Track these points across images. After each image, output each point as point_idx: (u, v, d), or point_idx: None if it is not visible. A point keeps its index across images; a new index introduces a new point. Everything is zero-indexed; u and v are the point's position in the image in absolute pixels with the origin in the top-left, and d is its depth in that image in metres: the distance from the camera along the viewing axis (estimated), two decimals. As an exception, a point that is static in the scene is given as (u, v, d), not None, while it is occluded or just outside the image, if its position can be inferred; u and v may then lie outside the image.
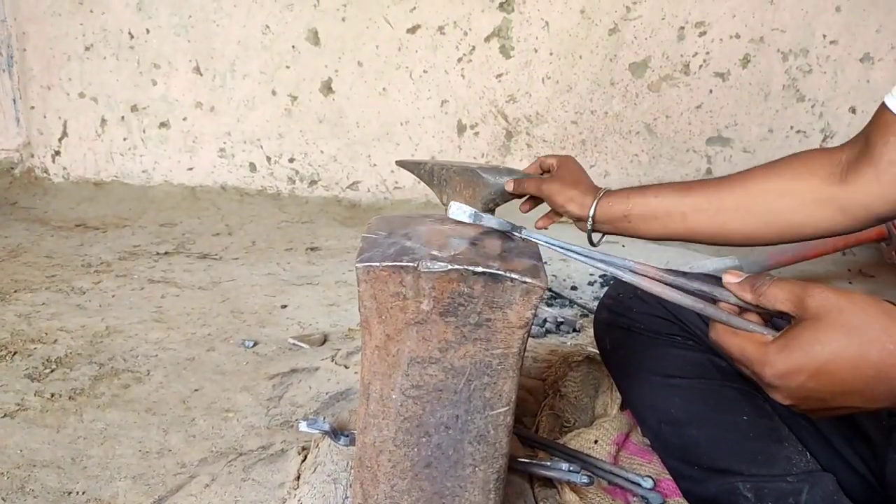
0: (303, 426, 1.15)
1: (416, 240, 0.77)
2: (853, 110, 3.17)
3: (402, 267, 0.71)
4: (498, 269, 0.71)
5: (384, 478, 0.80)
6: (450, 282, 0.71)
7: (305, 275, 2.39)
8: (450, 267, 0.71)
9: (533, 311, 0.73)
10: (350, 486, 1.02)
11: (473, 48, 3.18)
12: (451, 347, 0.74)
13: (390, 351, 0.75)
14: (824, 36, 3.09)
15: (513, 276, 0.71)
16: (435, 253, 0.73)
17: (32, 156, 3.43)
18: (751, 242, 1.07)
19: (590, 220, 1.11)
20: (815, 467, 0.99)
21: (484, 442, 0.78)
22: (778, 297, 0.69)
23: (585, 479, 1.03)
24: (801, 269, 2.49)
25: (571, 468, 1.04)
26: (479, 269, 0.71)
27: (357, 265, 0.72)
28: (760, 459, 0.99)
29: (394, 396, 0.77)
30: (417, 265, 0.71)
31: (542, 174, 1.24)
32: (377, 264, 0.71)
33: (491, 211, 1.47)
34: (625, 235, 1.12)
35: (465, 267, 0.71)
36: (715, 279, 1.12)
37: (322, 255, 2.64)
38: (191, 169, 3.38)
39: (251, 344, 1.78)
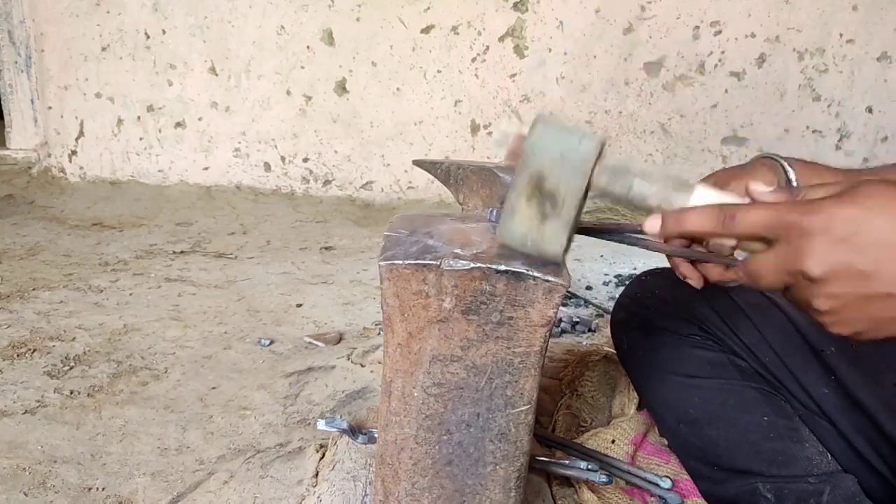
0: (321, 424, 1.16)
1: (438, 238, 0.77)
2: (870, 110, 3.15)
3: (424, 265, 0.71)
4: (520, 268, 0.71)
5: (405, 475, 0.80)
6: (472, 280, 0.71)
7: (320, 274, 2.40)
8: (472, 265, 0.71)
9: (555, 310, 0.73)
10: (369, 483, 1.02)
11: (487, 48, 3.18)
12: (472, 345, 0.75)
13: (412, 349, 0.76)
14: (841, 35, 3.07)
15: (535, 274, 0.71)
16: (457, 251, 0.73)
17: (50, 155, 3.46)
18: None
19: None
20: (837, 468, 0.98)
21: (505, 440, 0.78)
22: (819, 192, 0.59)
23: (604, 479, 1.03)
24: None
25: (590, 467, 1.04)
26: (502, 267, 0.71)
27: (380, 263, 0.72)
28: (781, 460, 0.99)
29: (415, 394, 0.77)
30: (440, 263, 0.71)
31: None
32: (400, 262, 0.72)
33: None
34: None
35: (488, 265, 0.71)
36: None
37: (336, 255, 2.65)
38: (206, 168, 3.40)
39: (267, 342, 1.79)
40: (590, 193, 0.69)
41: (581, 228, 0.83)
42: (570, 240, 0.70)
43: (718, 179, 0.93)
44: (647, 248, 0.85)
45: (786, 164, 0.94)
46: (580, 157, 0.67)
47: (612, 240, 0.86)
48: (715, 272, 0.80)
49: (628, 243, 0.85)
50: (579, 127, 0.69)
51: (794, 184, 0.94)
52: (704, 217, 0.62)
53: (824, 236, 0.55)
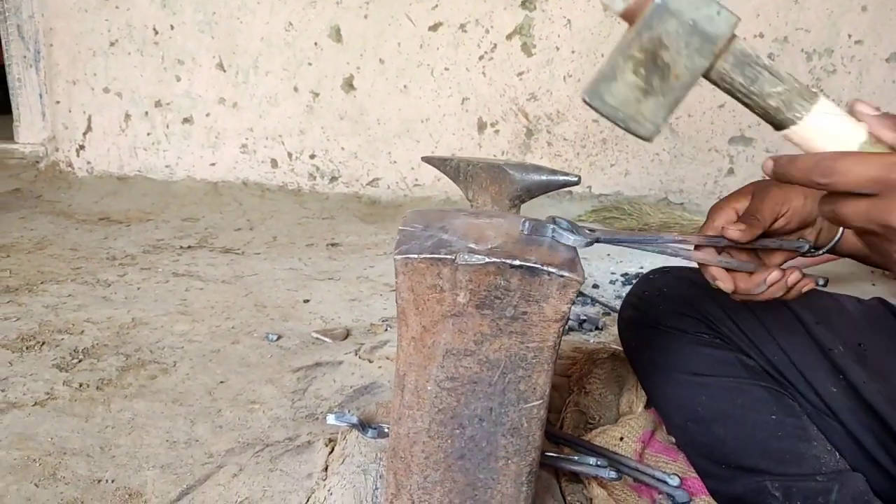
0: (331, 419, 1.16)
1: (452, 233, 0.77)
2: (878, 111, 3.15)
3: (439, 259, 0.72)
4: (535, 263, 0.71)
5: (417, 469, 0.81)
6: (486, 275, 0.72)
7: (327, 270, 2.40)
8: (487, 260, 0.71)
9: (569, 305, 0.73)
10: (380, 476, 1.03)
11: (495, 46, 3.19)
12: (486, 340, 0.75)
13: (426, 342, 0.76)
14: (849, 36, 3.06)
15: (550, 269, 0.71)
16: (472, 246, 0.73)
17: (57, 150, 3.47)
18: None
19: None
20: (845, 467, 0.98)
21: (517, 435, 0.79)
22: None
23: (613, 475, 1.04)
24: (825, 270, 2.47)
25: (599, 463, 1.04)
26: (517, 262, 0.71)
27: (395, 257, 0.73)
28: (789, 458, 0.99)
29: (429, 388, 0.77)
30: (455, 258, 0.72)
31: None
32: (415, 256, 0.72)
33: (516, 207, 1.47)
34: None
35: (503, 260, 0.71)
36: None
37: (343, 251, 2.65)
38: (213, 164, 3.41)
39: (275, 337, 1.79)
40: (709, 74, 0.63)
41: (615, 239, 0.82)
42: (667, 119, 0.63)
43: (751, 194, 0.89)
44: (685, 257, 0.83)
45: None
46: (714, 31, 0.59)
47: (649, 250, 0.84)
48: (742, 281, 0.81)
49: (669, 254, 0.83)
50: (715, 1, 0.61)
51: None
52: (810, 166, 0.59)
53: None
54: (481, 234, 0.77)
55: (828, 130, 0.60)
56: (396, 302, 0.75)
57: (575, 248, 0.77)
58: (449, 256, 0.72)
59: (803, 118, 0.61)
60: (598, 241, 0.78)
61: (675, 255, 0.81)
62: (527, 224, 0.79)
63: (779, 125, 0.62)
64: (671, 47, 0.60)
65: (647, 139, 0.64)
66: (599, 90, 0.62)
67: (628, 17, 0.62)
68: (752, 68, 0.61)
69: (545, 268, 0.71)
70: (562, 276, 0.71)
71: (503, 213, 0.95)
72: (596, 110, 0.63)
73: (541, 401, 0.78)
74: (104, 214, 3.04)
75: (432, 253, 0.72)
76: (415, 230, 0.78)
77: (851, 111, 0.62)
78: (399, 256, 0.72)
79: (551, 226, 0.78)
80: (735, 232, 0.83)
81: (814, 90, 0.62)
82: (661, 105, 0.62)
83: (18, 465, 1.22)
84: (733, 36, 0.61)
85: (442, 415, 0.78)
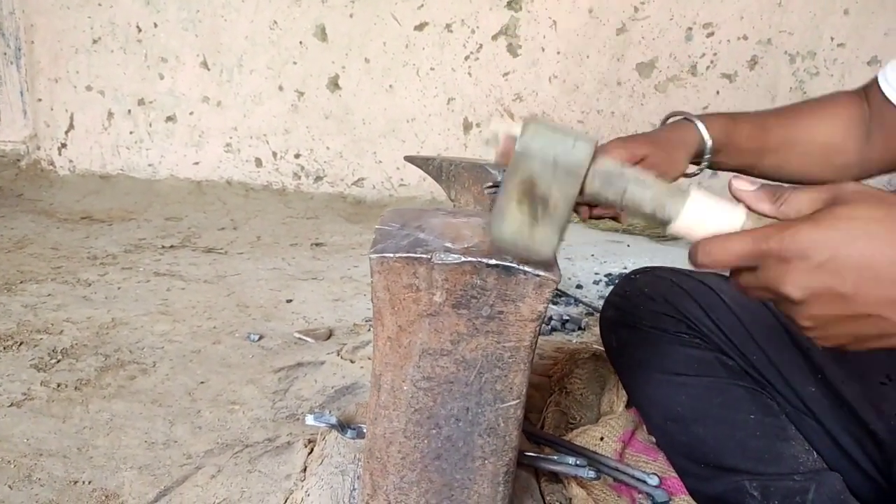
0: (310, 419, 1.15)
1: (429, 232, 0.77)
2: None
3: (415, 258, 0.71)
4: (511, 262, 0.71)
5: (394, 469, 0.80)
6: (463, 274, 0.72)
7: (310, 270, 2.39)
8: (463, 259, 0.71)
9: (545, 305, 0.73)
10: (358, 477, 1.02)
11: (481, 46, 3.19)
12: (462, 340, 0.75)
13: (402, 342, 0.76)
14: (832, 38, 3.09)
15: (526, 269, 0.71)
16: (448, 245, 0.73)
17: (39, 148, 3.44)
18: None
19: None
20: (822, 466, 0.99)
21: (494, 435, 0.78)
22: (803, 201, 0.60)
23: (592, 474, 1.03)
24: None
25: (578, 463, 1.04)
26: (493, 261, 0.71)
27: (371, 256, 0.72)
28: (767, 458, 0.99)
29: (405, 388, 0.77)
30: (431, 257, 0.71)
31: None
32: (391, 255, 0.71)
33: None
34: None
35: (479, 259, 0.71)
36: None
37: (327, 251, 2.64)
38: (197, 163, 3.38)
39: (257, 337, 1.78)
40: (582, 196, 0.68)
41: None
42: (560, 241, 0.69)
43: (631, 145, 1.00)
44: None
45: (700, 125, 1.04)
46: (574, 162, 0.65)
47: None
48: None
49: None
50: (571, 129, 0.67)
51: (709, 143, 1.04)
52: (694, 255, 0.62)
53: (802, 263, 0.56)
54: (458, 234, 0.76)
55: (705, 221, 0.64)
56: (372, 301, 0.75)
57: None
58: (425, 256, 0.71)
59: (680, 214, 0.65)
60: None
61: None
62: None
63: (663, 221, 0.66)
64: (541, 182, 0.66)
65: (547, 261, 0.72)
66: (497, 228, 0.68)
67: (503, 158, 0.69)
68: (620, 183, 0.66)
69: (521, 267, 0.71)
70: (538, 276, 0.71)
71: (481, 212, 0.95)
72: (500, 247, 0.70)
73: (517, 400, 0.77)
74: (86, 213, 3.02)
75: (408, 252, 0.72)
76: (391, 229, 0.78)
77: (730, 188, 0.65)
78: (375, 255, 0.72)
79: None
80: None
81: (683, 189, 0.66)
82: (550, 230, 0.67)
83: (-7, 467, 1.21)
84: (594, 159, 0.66)
85: (418, 415, 0.78)
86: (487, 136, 0.71)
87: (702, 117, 1.06)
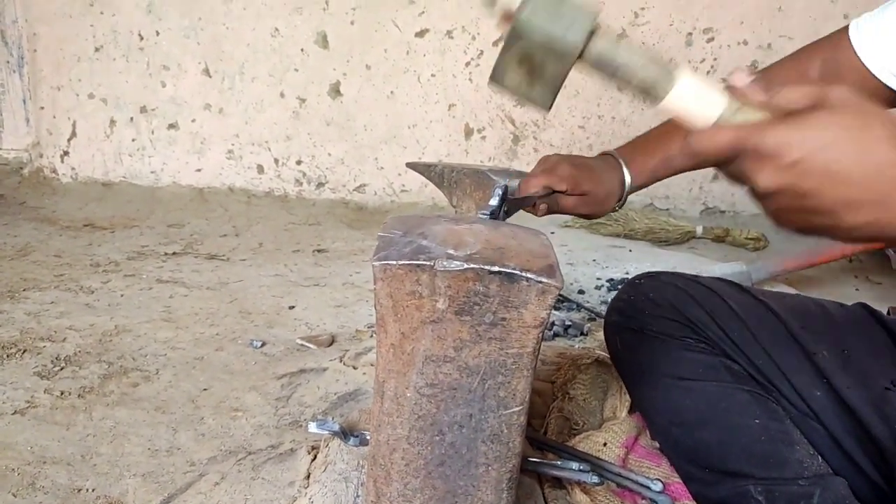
0: (312, 427, 1.15)
1: (432, 239, 0.77)
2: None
3: (418, 265, 0.72)
4: (514, 269, 0.71)
5: (397, 476, 0.80)
6: (465, 281, 0.72)
7: (313, 276, 2.39)
8: (466, 266, 0.71)
9: (548, 311, 0.73)
10: (361, 484, 1.02)
11: (481, 52, 3.19)
12: (465, 346, 0.75)
13: (405, 349, 0.76)
14: (832, 43, 3.08)
15: (528, 275, 0.71)
16: (451, 252, 0.73)
17: (41, 156, 3.44)
18: None
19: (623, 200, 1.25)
20: (827, 471, 0.99)
21: (497, 441, 0.78)
22: (793, 94, 0.64)
23: (595, 479, 1.03)
24: (808, 275, 2.49)
25: (581, 468, 1.04)
26: (496, 268, 0.71)
27: (374, 263, 0.72)
28: (772, 462, 0.99)
29: (408, 395, 0.77)
30: (434, 264, 0.71)
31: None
32: (394, 262, 0.72)
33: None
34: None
35: (481, 266, 0.71)
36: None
37: (329, 257, 2.64)
38: (199, 170, 3.39)
39: (259, 344, 1.78)
40: (576, 68, 0.73)
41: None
42: (554, 97, 0.75)
43: (574, 178, 1.16)
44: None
45: (626, 172, 1.20)
46: (568, 45, 0.69)
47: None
48: None
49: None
50: (569, 4, 0.70)
51: (629, 183, 1.21)
52: (686, 145, 0.67)
53: (773, 160, 0.61)
54: (460, 240, 0.76)
55: (692, 98, 0.69)
56: (375, 308, 0.75)
57: (554, 255, 0.78)
58: (428, 262, 0.71)
59: (669, 91, 0.70)
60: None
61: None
62: (489, 213, 0.95)
63: (652, 100, 0.71)
64: (536, 56, 0.71)
65: (545, 112, 0.79)
66: (498, 79, 0.75)
67: (504, 20, 0.73)
68: (610, 65, 0.70)
69: (524, 274, 0.71)
70: (540, 283, 0.71)
71: (483, 219, 0.95)
72: (499, 92, 0.77)
73: (521, 407, 0.77)
74: (88, 221, 3.02)
75: (411, 259, 0.72)
76: (394, 236, 0.78)
77: (726, 82, 0.70)
78: (377, 263, 0.72)
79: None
80: (540, 213, 1.19)
81: (672, 71, 0.70)
82: (545, 90, 0.74)
83: (-4, 475, 1.21)
84: (591, 37, 0.70)
85: (422, 422, 0.78)
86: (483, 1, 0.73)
87: (629, 161, 1.21)
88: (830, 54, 1.10)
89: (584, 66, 0.72)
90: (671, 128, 1.20)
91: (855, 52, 1.04)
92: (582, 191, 1.17)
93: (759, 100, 0.67)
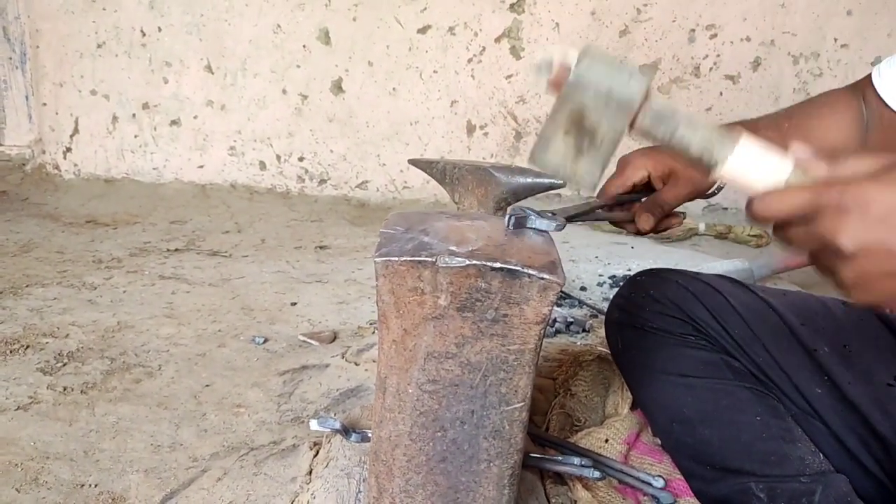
0: (314, 424, 1.16)
1: (434, 235, 0.77)
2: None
3: (420, 262, 0.72)
4: (515, 265, 0.71)
5: (399, 472, 0.80)
6: (467, 277, 0.72)
7: (315, 273, 2.40)
8: (467, 262, 0.71)
9: (550, 308, 0.73)
10: (363, 480, 1.02)
11: (483, 49, 3.19)
12: (467, 342, 0.75)
13: (407, 345, 0.76)
14: (835, 39, 3.08)
15: (530, 272, 0.71)
16: (453, 248, 0.73)
17: (44, 152, 3.45)
18: None
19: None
20: (829, 468, 0.99)
21: (499, 437, 0.79)
22: (861, 164, 0.60)
23: (597, 474, 1.04)
24: (811, 272, 2.48)
25: (583, 463, 1.04)
26: (497, 264, 0.71)
27: (376, 259, 0.72)
28: (773, 460, 0.99)
29: (410, 391, 0.77)
30: (435, 260, 0.71)
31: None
32: (396, 259, 0.72)
33: (502, 210, 1.47)
34: None
35: (483, 262, 0.71)
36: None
37: (331, 254, 2.64)
38: (201, 167, 3.39)
39: (261, 340, 1.79)
40: (631, 133, 0.68)
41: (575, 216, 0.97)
42: (602, 174, 0.70)
43: (657, 157, 1.11)
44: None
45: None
46: (627, 97, 0.65)
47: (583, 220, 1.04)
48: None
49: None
50: (627, 63, 0.67)
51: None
52: (753, 207, 0.63)
53: (860, 215, 0.56)
54: (462, 237, 0.77)
55: (752, 167, 0.64)
56: (377, 305, 0.75)
57: (556, 251, 0.78)
58: (429, 259, 0.71)
59: (727, 159, 0.64)
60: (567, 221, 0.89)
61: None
62: (513, 219, 0.82)
63: (710, 168, 0.66)
64: (592, 114, 0.66)
65: (590, 192, 0.75)
66: (540, 157, 0.69)
67: (554, 87, 0.68)
68: (670, 123, 0.66)
69: (525, 270, 0.71)
70: (542, 279, 0.71)
71: (485, 215, 0.95)
72: (543, 169, 0.71)
73: (522, 403, 0.78)
74: (91, 217, 3.02)
75: (413, 255, 0.72)
76: (396, 232, 0.78)
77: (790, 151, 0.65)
78: (379, 259, 0.72)
79: (532, 215, 0.82)
80: (645, 224, 1.11)
81: (733, 134, 0.66)
82: (594, 162, 0.68)
83: (0, 470, 1.21)
84: (647, 95, 0.66)
85: (423, 418, 0.78)
86: (539, 62, 0.68)
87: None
88: (856, 101, 1.11)
89: (639, 128, 0.68)
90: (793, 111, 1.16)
91: (881, 99, 1.05)
92: (666, 168, 1.09)
93: (823, 169, 0.62)
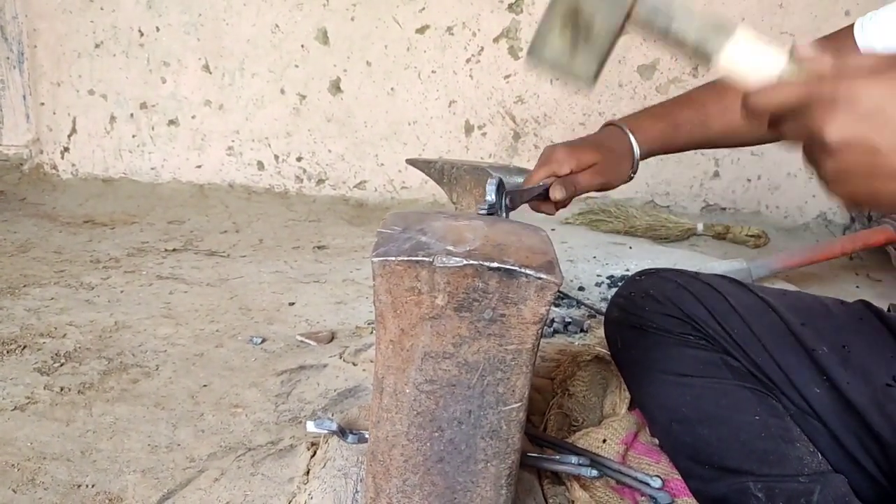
0: (310, 426, 1.16)
1: (431, 235, 0.77)
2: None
3: (417, 261, 0.71)
4: (513, 265, 0.71)
5: (396, 472, 0.80)
6: (465, 277, 0.72)
7: (313, 273, 2.39)
8: (465, 262, 0.71)
9: (547, 308, 0.73)
10: (361, 480, 1.02)
11: (482, 49, 3.19)
12: (464, 342, 0.75)
13: (404, 345, 0.76)
14: (834, 39, 3.08)
15: (528, 271, 0.71)
16: (450, 248, 0.73)
17: (42, 152, 3.44)
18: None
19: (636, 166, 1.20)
20: (827, 468, 0.99)
21: (496, 437, 0.78)
22: (865, 60, 0.59)
23: (595, 473, 1.03)
24: (809, 272, 2.49)
25: (581, 462, 1.04)
26: (495, 264, 0.71)
27: (373, 259, 0.72)
28: (772, 459, 0.99)
29: (407, 391, 0.77)
30: (433, 260, 0.71)
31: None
32: (393, 258, 0.72)
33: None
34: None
35: (480, 262, 0.71)
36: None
37: (329, 254, 2.64)
38: (199, 167, 3.39)
39: (259, 340, 1.78)
40: (627, 26, 0.68)
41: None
42: (600, 69, 0.70)
43: (579, 152, 1.13)
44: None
45: (632, 139, 1.16)
46: None
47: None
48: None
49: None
50: None
51: (637, 154, 1.17)
52: (750, 100, 0.62)
53: (848, 108, 0.56)
54: (460, 237, 0.76)
55: (750, 57, 0.64)
56: (374, 304, 0.75)
57: (554, 251, 0.77)
58: (427, 259, 0.71)
59: (724, 48, 0.64)
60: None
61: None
62: (486, 207, 0.91)
63: (706, 60, 0.66)
64: (587, 8, 0.67)
65: (587, 86, 0.72)
66: (537, 53, 0.70)
67: None
68: (666, 14, 0.66)
69: (523, 270, 0.71)
70: (539, 279, 0.71)
71: (482, 215, 0.95)
72: (538, 68, 0.72)
73: (520, 403, 0.77)
74: (88, 217, 3.02)
75: (410, 255, 0.72)
76: (393, 232, 0.78)
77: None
78: (376, 259, 0.72)
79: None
80: (558, 194, 1.11)
81: (730, 25, 0.65)
82: (590, 57, 0.69)
83: (-4, 471, 1.21)
84: None
85: (421, 418, 0.78)
86: None
87: (632, 127, 1.18)
88: (835, 53, 1.09)
89: (635, 22, 0.67)
90: (681, 99, 1.20)
91: (860, 52, 1.04)
92: (588, 164, 1.13)
93: (825, 64, 0.60)
